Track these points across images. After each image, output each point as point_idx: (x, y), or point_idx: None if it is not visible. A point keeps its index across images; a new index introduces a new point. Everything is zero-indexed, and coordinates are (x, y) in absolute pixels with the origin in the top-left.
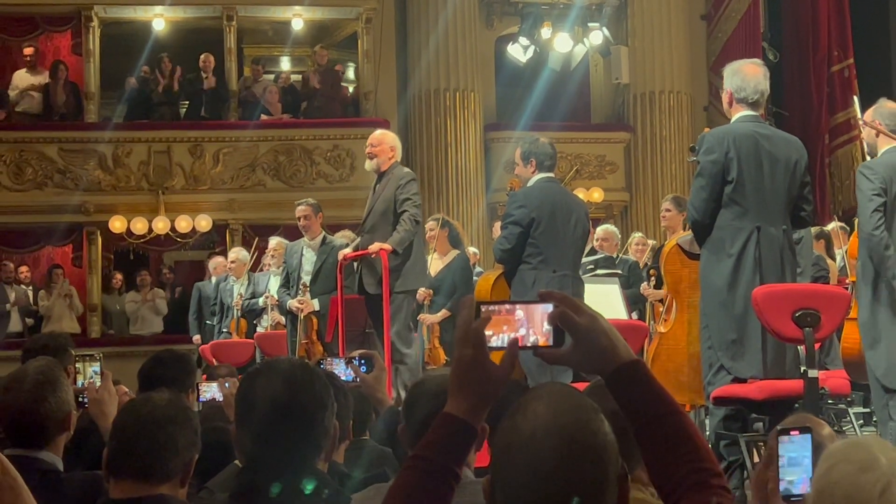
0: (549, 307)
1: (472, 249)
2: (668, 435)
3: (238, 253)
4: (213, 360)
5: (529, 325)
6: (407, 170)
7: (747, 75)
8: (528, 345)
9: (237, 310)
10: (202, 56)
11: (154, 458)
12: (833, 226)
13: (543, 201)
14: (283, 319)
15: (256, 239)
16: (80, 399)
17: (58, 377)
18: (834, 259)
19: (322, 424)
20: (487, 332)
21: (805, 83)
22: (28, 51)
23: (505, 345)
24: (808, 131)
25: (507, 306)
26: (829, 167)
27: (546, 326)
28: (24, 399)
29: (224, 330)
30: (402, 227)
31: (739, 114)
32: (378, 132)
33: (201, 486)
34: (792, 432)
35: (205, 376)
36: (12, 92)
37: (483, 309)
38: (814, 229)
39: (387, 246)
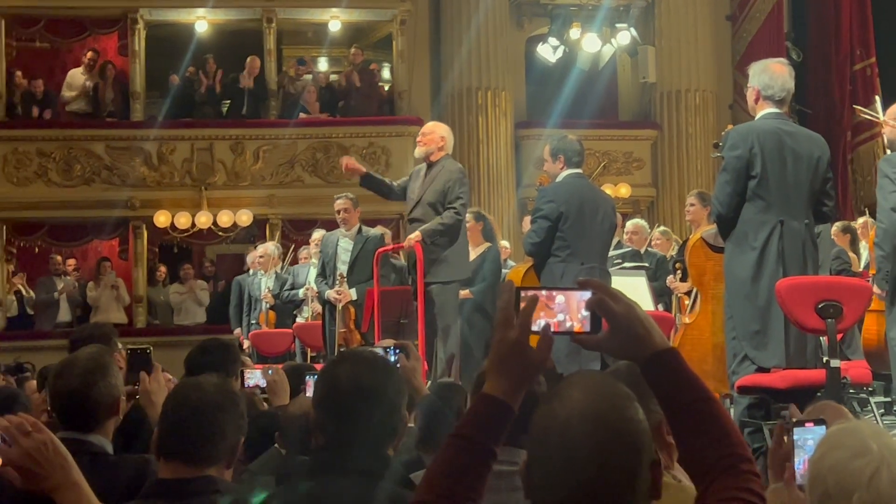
0: (587, 294)
1: (503, 243)
2: (700, 421)
3: (266, 248)
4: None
5: (566, 311)
6: (458, 165)
7: (775, 73)
8: (564, 330)
9: (265, 303)
10: (248, 59)
11: (202, 443)
12: (863, 220)
13: (571, 196)
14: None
15: (292, 246)
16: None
17: (108, 363)
18: (857, 253)
19: (400, 411)
20: None
21: (828, 81)
22: (90, 55)
23: (538, 329)
24: (831, 128)
25: (546, 292)
26: (852, 163)
27: (583, 313)
28: (74, 384)
29: (253, 322)
30: (439, 220)
31: (764, 111)
32: (430, 123)
33: (243, 469)
34: (807, 424)
35: None
36: (66, 91)
37: (523, 294)
38: (840, 224)
39: (416, 235)
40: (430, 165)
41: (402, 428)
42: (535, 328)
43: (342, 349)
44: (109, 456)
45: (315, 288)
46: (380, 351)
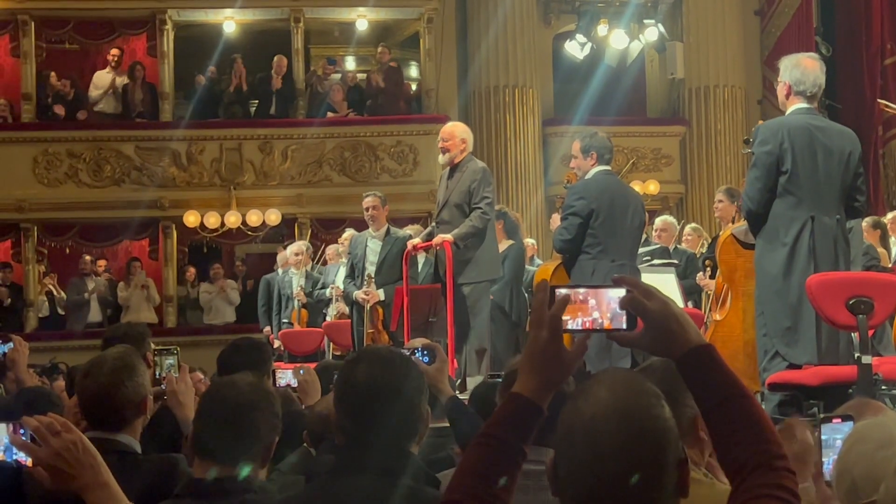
0: (621, 292)
1: (529, 241)
2: (735, 417)
3: (299, 246)
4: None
5: (600, 309)
6: (482, 164)
7: (807, 68)
8: (598, 328)
9: (297, 301)
10: (275, 58)
11: (237, 443)
12: (892, 215)
13: (602, 193)
14: (347, 310)
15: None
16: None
17: (135, 363)
18: (888, 248)
19: (419, 409)
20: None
21: (858, 76)
22: (114, 52)
23: (577, 327)
24: (862, 123)
25: (580, 290)
26: (883, 158)
27: (616, 311)
28: (102, 382)
29: (285, 321)
30: (469, 223)
31: (795, 106)
32: (448, 125)
33: (272, 469)
34: (834, 420)
35: None
36: (94, 92)
37: (558, 293)
38: (870, 219)
39: (449, 238)
40: (454, 167)
41: (423, 425)
42: (572, 326)
43: None
44: (138, 455)
45: (341, 288)
46: (406, 352)
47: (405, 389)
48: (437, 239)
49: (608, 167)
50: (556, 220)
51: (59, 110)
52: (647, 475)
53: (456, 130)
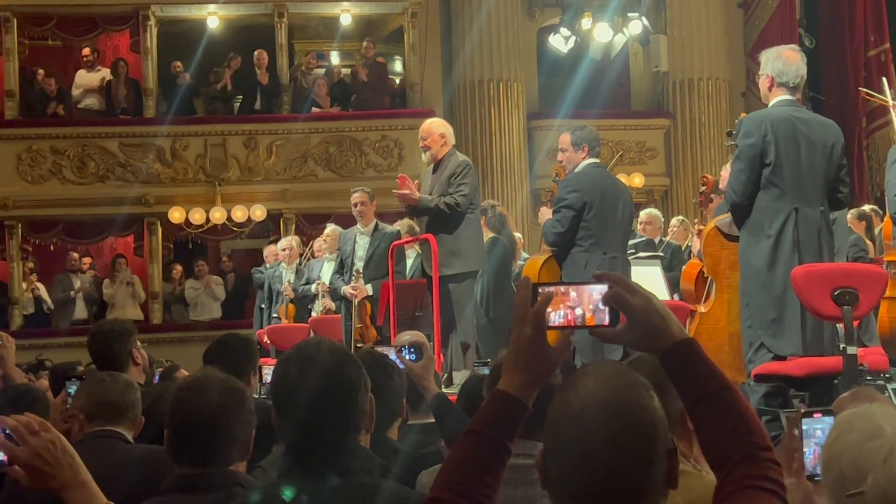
0: (604, 287)
1: (516, 235)
2: (719, 410)
3: (290, 241)
4: (269, 345)
5: (583, 305)
6: (463, 157)
7: (789, 60)
8: (581, 324)
9: (286, 296)
10: (256, 53)
11: (212, 448)
12: (867, 208)
13: (594, 185)
14: (333, 305)
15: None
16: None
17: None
18: (874, 240)
19: (357, 405)
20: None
21: (842, 68)
22: (86, 51)
23: (559, 319)
24: (846, 115)
25: (562, 287)
26: (867, 150)
27: (600, 306)
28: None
29: (274, 315)
30: (434, 201)
31: (777, 98)
32: (425, 123)
33: (254, 465)
34: (815, 414)
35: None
36: (76, 90)
37: (540, 290)
38: (855, 211)
39: (416, 194)
40: (437, 164)
41: (366, 418)
42: (554, 319)
43: (358, 344)
44: (129, 443)
45: (326, 283)
46: (392, 352)
47: (337, 385)
48: (406, 187)
49: (597, 160)
50: (543, 213)
51: (59, 109)
52: (637, 466)
53: (433, 127)
